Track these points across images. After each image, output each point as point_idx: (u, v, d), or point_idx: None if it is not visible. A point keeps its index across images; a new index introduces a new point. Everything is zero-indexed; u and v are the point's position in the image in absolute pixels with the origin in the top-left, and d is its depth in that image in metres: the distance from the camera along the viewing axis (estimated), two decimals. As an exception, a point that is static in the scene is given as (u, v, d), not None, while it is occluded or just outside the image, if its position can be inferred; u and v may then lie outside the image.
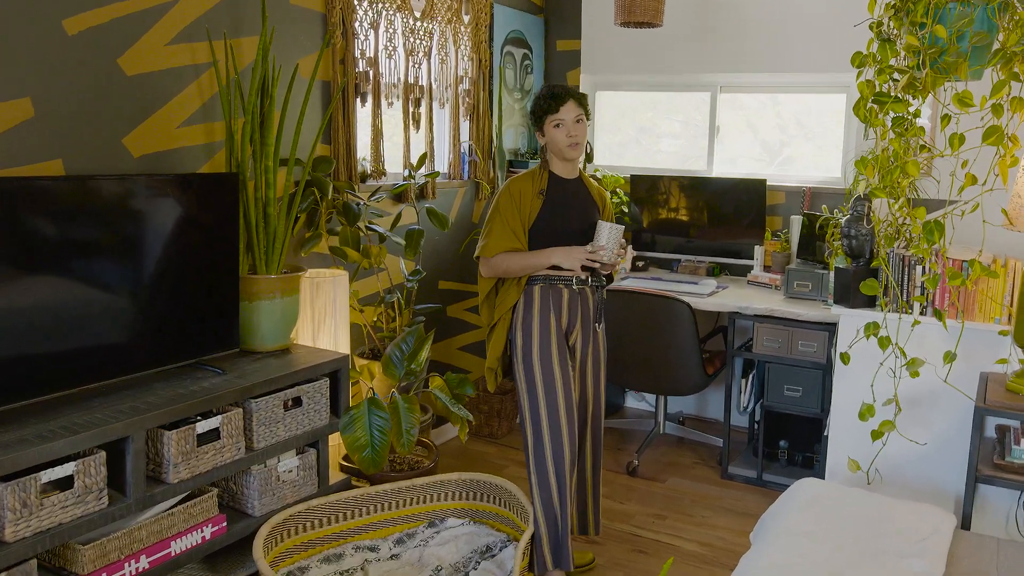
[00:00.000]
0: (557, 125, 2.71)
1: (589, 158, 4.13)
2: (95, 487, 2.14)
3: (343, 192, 3.31)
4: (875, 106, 2.23)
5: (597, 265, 2.70)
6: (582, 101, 2.73)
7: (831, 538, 2.19)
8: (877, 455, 2.87)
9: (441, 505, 2.97)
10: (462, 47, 4.04)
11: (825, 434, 3.48)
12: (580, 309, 2.79)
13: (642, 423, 4.43)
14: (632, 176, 4.45)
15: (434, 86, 3.88)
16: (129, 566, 2.25)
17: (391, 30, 3.57)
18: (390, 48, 3.58)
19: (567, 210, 2.78)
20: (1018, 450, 2.64)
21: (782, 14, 4.09)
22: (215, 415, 2.47)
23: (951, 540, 2.24)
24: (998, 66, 2.12)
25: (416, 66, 3.74)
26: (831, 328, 3.44)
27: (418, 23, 3.72)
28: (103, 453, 2.16)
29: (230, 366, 2.67)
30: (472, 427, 4.13)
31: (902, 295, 3.05)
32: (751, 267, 4.18)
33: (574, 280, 2.75)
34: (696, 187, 4.32)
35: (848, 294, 3.15)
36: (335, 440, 3.19)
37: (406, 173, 3.67)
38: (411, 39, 3.70)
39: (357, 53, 3.40)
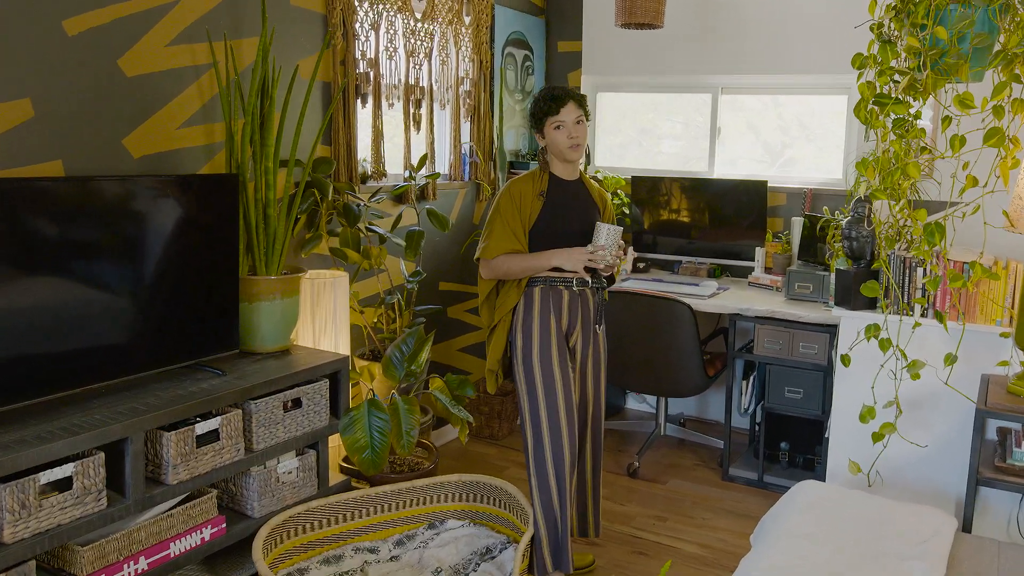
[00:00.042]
0: (558, 127, 2.71)
1: (587, 160, 4.13)
2: (94, 488, 2.14)
3: (343, 193, 3.31)
4: (876, 108, 2.23)
5: (601, 266, 2.70)
6: (582, 102, 2.73)
7: (832, 540, 2.18)
8: (878, 457, 2.86)
9: (441, 507, 2.97)
10: (463, 48, 4.04)
11: (826, 436, 3.47)
12: (580, 311, 2.78)
13: (643, 425, 4.43)
14: (633, 177, 4.45)
15: (435, 87, 3.88)
16: (128, 567, 2.25)
17: (392, 31, 3.57)
18: (391, 49, 3.58)
19: (567, 211, 2.77)
20: (1019, 452, 2.63)
21: (783, 15, 4.08)
22: (214, 416, 2.46)
23: (952, 543, 2.24)
24: (999, 68, 2.11)
25: (417, 67, 3.74)
26: (832, 330, 3.44)
27: (419, 24, 3.72)
28: (102, 454, 2.16)
29: (230, 367, 2.67)
30: (472, 429, 4.13)
31: (903, 297, 3.04)
32: (752, 269, 4.18)
33: (574, 282, 2.75)
34: (697, 188, 4.32)
35: (849, 296, 3.15)
36: (335, 441, 3.18)
37: (407, 174, 3.67)
38: (412, 40, 3.69)
39: (358, 54, 3.40)
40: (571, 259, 2.68)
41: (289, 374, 2.65)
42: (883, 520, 2.30)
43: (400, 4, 3.57)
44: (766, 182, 4.13)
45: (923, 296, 3.03)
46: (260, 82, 2.75)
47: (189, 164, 2.83)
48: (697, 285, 3.99)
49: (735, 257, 4.24)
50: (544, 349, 2.71)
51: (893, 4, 2.15)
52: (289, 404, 2.69)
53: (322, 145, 3.32)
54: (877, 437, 2.66)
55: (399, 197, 3.71)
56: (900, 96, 2.19)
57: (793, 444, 3.82)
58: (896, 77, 2.18)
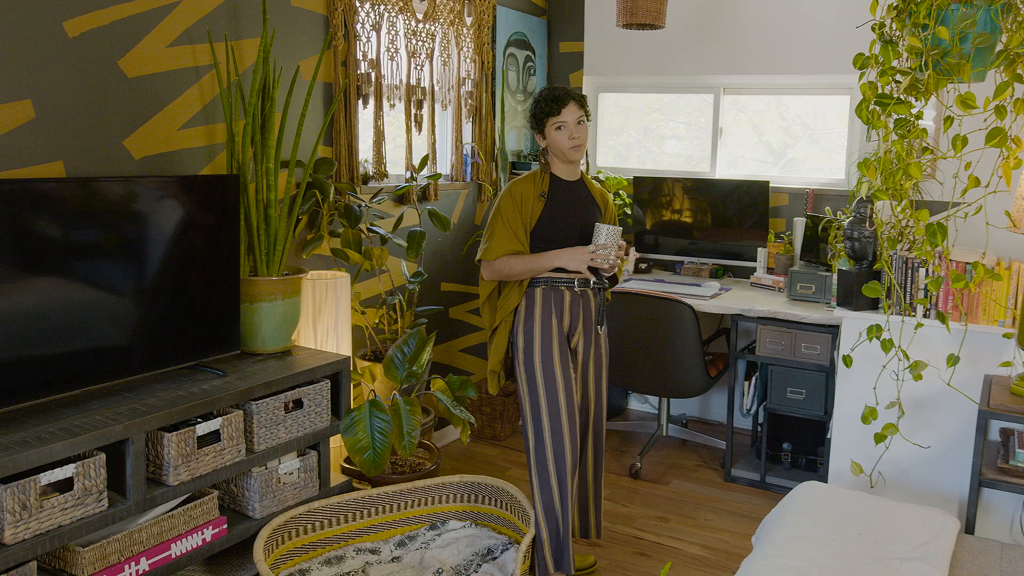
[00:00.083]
0: (559, 127, 2.70)
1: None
2: (95, 489, 2.14)
3: (345, 194, 3.31)
4: (877, 108, 2.22)
5: (604, 266, 2.69)
6: (583, 102, 2.73)
7: (834, 541, 2.18)
8: (880, 458, 2.85)
9: (442, 507, 2.97)
10: (464, 49, 4.03)
11: (828, 437, 3.47)
12: (582, 311, 2.78)
13: (645, 425, 4.42)
14: (635, 178, 4.45)
15: (436, 88, 3.88)
16: (129, 568, 2.25)
17: (393, 32, 3.57)
18: (392, 50, 3.58)
19: (569, 212, 2.77)
20: (1022, 453, 2.62)
21: (784, 15, 4.08)
22: (215, 417, 2.46)
23: (954, 544, 2.23)
24: (1001, 68, 2.10)
25: (418, 68, 3.74)
26: (834, 330, 3.43)
27: (420, 25, 3.72)
28: (103, 455, 2.16)
29: (231, 368, 2.67)
30: (474, 429, 4.13)
31: (905, 297, 3.04)
32: (754, 269, 4.17)
33: (576, 282, 2.75)
34: (699, 189, 4.31)
35: (851, 296, 3.14)
36: (336, 442, 3.18)
37: (408, 175, 3.67)
38: (413, 41, 3.69)
39: (359, 55, 3.40)
40: (573, 259, 2.67)
41: (290, 375, 2.65)
42: (885, 521, 2.30)
43: (401, 5, 3.57)
44: (768, 182, 4.12)
45: (925, 297, 3.02)
46: (261, 83, 2.75)
47: (190, 165, 2.83)
48: (699, 285, 3.98)
49: (737, 257, 4.24)
50: (546, 350, 2.71)
51: (895, 4, 2.15)
52: (290, 405, 2.69)
53: (323, 146, 3.32)
54: (879, 438, 2.66)
55: (400, 198, 3.71)
56: (902, 96, 2.18)
57: (795, 445, 3.82)
58: (898, 77, 2.17)
